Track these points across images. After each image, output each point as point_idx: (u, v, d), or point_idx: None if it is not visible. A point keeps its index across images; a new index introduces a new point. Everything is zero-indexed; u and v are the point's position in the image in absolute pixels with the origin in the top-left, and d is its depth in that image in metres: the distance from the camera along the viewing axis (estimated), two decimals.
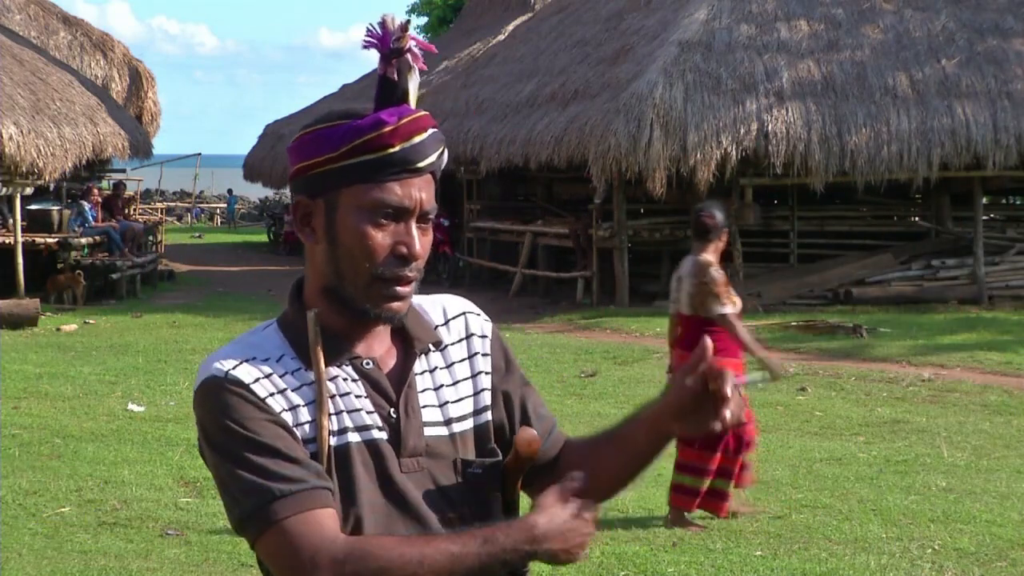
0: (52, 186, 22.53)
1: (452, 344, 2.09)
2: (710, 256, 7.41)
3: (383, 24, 1.99)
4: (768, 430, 10.41)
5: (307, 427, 1.94)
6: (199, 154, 50.22)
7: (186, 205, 54.89)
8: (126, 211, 25.48)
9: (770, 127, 18.55)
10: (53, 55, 26.76)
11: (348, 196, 1.95)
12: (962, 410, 11.17)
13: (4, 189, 20.35)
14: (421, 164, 1.96)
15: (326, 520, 1.87)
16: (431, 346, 2.06)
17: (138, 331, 16.73)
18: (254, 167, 38.03)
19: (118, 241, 22.23)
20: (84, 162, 22.12)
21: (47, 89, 22.02)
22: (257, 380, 1.93)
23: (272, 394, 1.93)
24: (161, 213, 38.42)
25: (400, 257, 1.95)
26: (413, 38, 1.99)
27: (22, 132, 19.87)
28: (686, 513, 7.27)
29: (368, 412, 1.97)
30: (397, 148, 1.94)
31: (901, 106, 19.02)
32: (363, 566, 1.82)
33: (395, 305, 1.97)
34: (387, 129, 1.94)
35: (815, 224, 21.45)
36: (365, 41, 2.01)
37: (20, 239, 19.78)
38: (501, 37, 30.09)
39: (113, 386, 12.08)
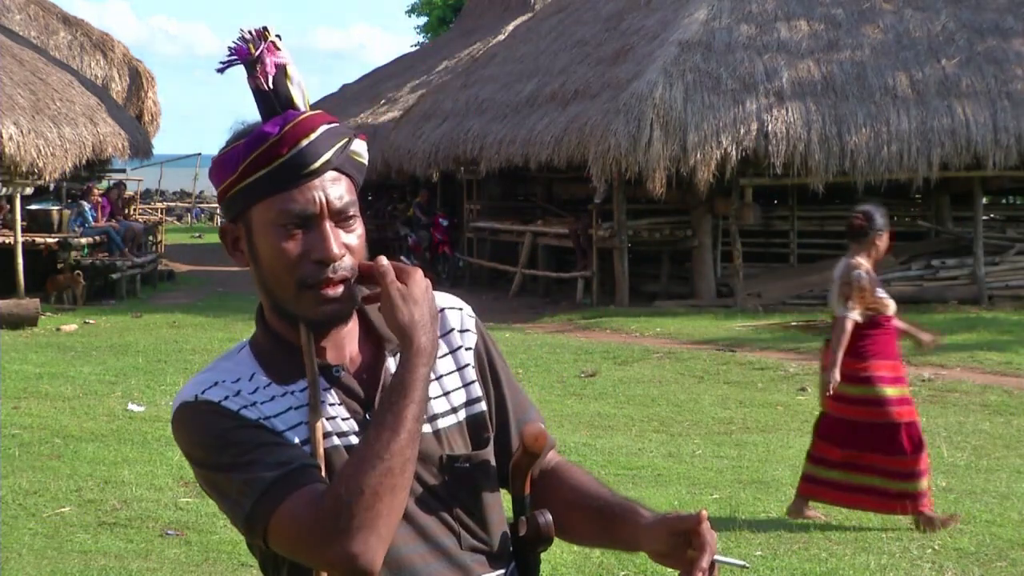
0: (52, 186, 22.53)
1: None
2: (861, 258, 7.35)
3: (242, 38, 1.96)
4: (768, 430, 10.42)
5: (288, 435, 1.94)
6: (199, 154, 50.23)
7: (186, 205, 54.89)
8: (126, 211, 25.49)
9: (770, 127, 18.55)
10: (53, 55, 26.76)
11: (257, 214, 1.95)
12: (962, 410, 11.17)
13: (4, 189, 20.35)
14: (316, 165, 1.93)
15: (318, 490, 1.88)
16: None
17: (138, 331, 16.73)
18: None
19: (118, 241, 22.24)
20: (84, 162, 22.12)
21: (47, 89, 22.02)
22: (227, 398, 1.95)
23: (245, 407, 1.94)
24: (161, 213, 38.41)
25: (317, 262, 1.93)
26: (271, 45, 1.96)
27: (22, 132, 19.87)
28: (809, 503, 7.44)
29: (343, 419, 1.97)
30: (286, 156, 1.92)
31: (901, 106, 19.02)
32: (351, 500, 1.83)
33: (330, 308, 1.95)
34: (272, 140, 1.92)
35: (815, 224, 21.47)
36: (223, 62, 1.98)
37: (20, 239, 19.79)
38: (501, 37, 30.09)
39: (113, 386, 12.08)
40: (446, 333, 2.08)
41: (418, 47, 44.40)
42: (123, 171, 29.63)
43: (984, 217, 20.72)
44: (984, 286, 19.43)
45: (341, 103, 33.16)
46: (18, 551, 6.70)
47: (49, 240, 20.65)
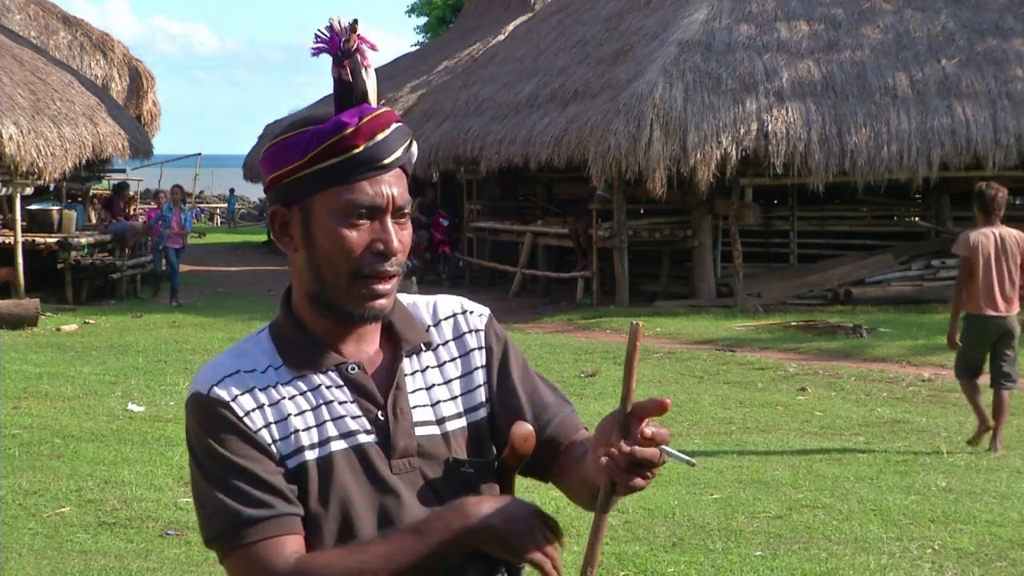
0: (52, 186, 22.52)
1: (443, 344, 2.10)
2: None
3: (331, 27, 2.00)
4: (768, 430, 10.42)
5: (291, 439, 1.96)
6: (199, 154, 50.20)
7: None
8: (127, 211, 25.49)
9: (770, 127, 18.55)
10: (53, 55, 26.74)
11: (321, 201, 1.97)
12: (962, 410, 11.16)
13: (4, 189, 20.34)
14: (387, 160, 1.97)
15: (288, 546, 1.91)
16: (422, 346, 2.08)
17: (138, 331, 16.73)
18: (254, 167, 38.05)
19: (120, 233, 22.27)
20: (84, 162, 22.11)
21: (47, 89, 22.00)
22: (236, 397, 1.96)
23: (253, 409, 1.96)
24: None
25: (378, 254, 1.97)
26: (361, 38, 2.00)
27: (22, 132, 19.86)
28: None
29: (354, 417, 1.99)
30: (362, 148, 1.95)
31: (901, 106, 19.02)
32: None
33: (378, 303, 1.99)
34: (349, 131, 1.95)
35: (815, 224, 21.48)
36: (314, 47, 2.01)
37: (20, 239, 19.78)
38: (501, 37, 30.09)
39: (113, 386, 12.08)
40: (458, 337, 2.11)
41: (418, 47, 44.40)
42: (123, 171, 29.61)
43: None
44: None
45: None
46: (18, 551, 6.70)
47: (49, 240, 20.64)
